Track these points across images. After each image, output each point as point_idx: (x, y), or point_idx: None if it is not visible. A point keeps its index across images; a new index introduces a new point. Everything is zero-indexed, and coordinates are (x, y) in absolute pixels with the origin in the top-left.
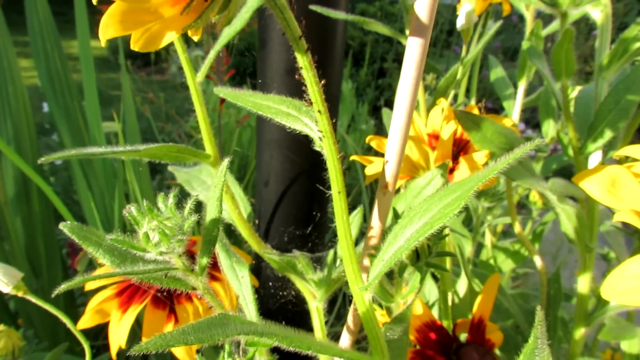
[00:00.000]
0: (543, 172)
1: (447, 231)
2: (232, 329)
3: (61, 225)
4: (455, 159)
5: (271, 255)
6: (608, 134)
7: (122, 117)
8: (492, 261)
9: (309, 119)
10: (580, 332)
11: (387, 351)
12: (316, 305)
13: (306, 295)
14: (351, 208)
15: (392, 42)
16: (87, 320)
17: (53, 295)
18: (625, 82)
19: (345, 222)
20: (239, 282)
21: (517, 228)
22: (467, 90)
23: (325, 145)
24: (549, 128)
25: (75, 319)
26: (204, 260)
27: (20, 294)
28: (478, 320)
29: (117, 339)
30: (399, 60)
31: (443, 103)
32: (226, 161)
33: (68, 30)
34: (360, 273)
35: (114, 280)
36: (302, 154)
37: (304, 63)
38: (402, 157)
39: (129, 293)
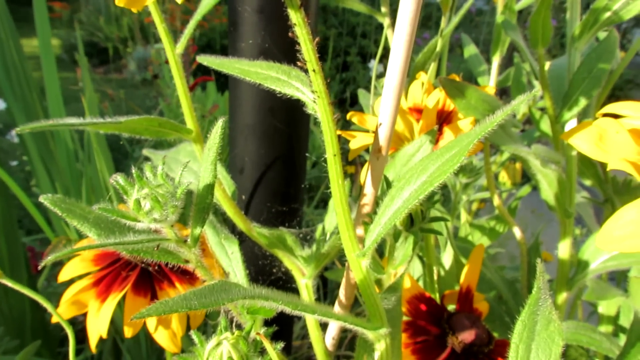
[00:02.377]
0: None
1: (438, 196)
2: (235, 293)
3: (42, 198)
4: (438, 131)
5: (261, 230)
6: (582, 102)
7: (85, 115)
8: (470, 238)
9: (300, 83)
10: (562, 297)
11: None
12: (305, 282)
13: (295, 272)
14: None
15: (354, 36)
16: (63, 312)
17: (39, 267)
18: (596, 51)
19: (340, 186)
20: (229, 259)
21: (496, 201)
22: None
23: (320, 106)
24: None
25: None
26: (197, 230)
27: None
28: (466, 290)
29: (97, 328)
30: (361, 53)
31: (422, 77)
32: (221, 121)
33: (19, 28)
34: (357, 239)
35: (90, 269)
36: (278, 139)
37: (297, 20)
38: (396, 118)
39: (106, 282)
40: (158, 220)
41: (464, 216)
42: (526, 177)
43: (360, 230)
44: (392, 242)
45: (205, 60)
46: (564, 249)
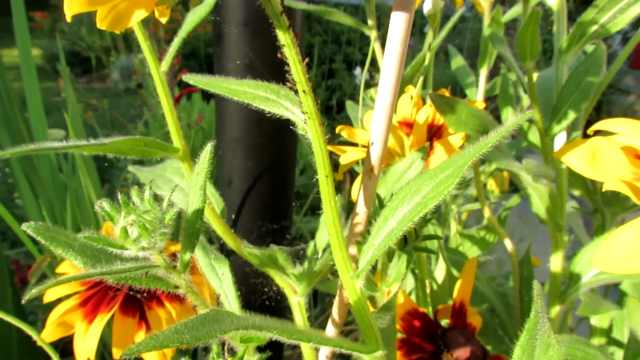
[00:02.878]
0: None
1: (430, 215)
2: (228, 324)
3: (24, 226)
4: (429, 146)
5: (252, 250)
6: (572, 115)
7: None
8: (460, 248)
9: (289, 103)
10: (555, 310)
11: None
12: (297, 300)
13: (286, 290)
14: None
15: (339, 44)
16: (50, 334)
17: (23, 301)
18: (584, 64)
19: (333, 207)
20: (219, 280)
21: (486, 212)
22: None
23: (311, 127)
24: (508, 115)
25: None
26: (187, 256)
27: None
28: (459, 304)
29: (85, 351)
30: (347, 61)
31: (411, 90)
32: (209, 145)
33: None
34: (350, 260)
35: (76, 289)
36: (266, 152)
37: (286, 40)
38: (388, 138)
39: (94, 302)
40: (146, 248)
41: (453, 226)
42: (514, 184)
43: (353, 250)
44: (386, 261)
45: (192, 79)
46: (555, 262)
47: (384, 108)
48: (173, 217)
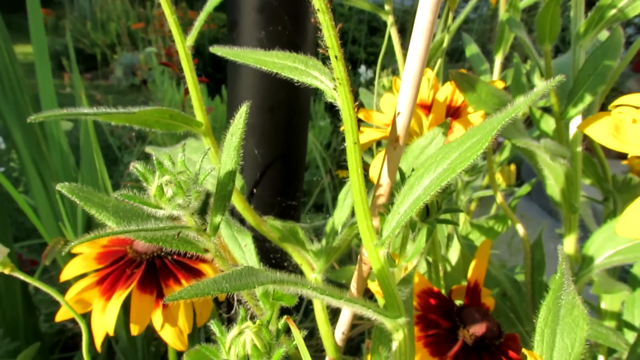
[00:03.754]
0: (512, 151)
1: (452, 187)
2: (264, 278)
3: (59, 186)
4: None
5: (274, 222)
6: (588, 99)
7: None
8: (470, 236)
9: (317, 72)
10: None
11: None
12: (315, 277)
13: (304, 267)
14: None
15: (345, 42)
16: (67, 311)
17: (45, 263)
18: (602, 48)
19: (359, 175)
20: (242, 251)
21: (499, 198)
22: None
23: (341, 94)
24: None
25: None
26: (217, 219)
27: (7, 272)
28: (474, 284)
29: (103, 327)
30: (351, 59)
31: (429, 73)
32: (245, 106)
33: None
34: (374, 229)
35: (93, 267)
36: (277, 139)
37: (320, 5)
38: (414, 107)
39: (111, 280)
40: (182, 207)
41: (462, 216)
42: (520, 178)
43: (375, 222)
44: (407, 234)
45: (220, 50)
46: (569, 245)
47: (411, 76)
48: (206, 176)
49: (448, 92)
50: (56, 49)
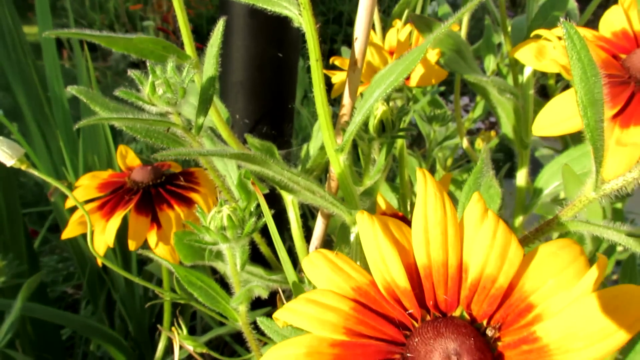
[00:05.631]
0: (484, 108)
1: (408, 108)
2: (234, 153)
3: (69, 88)
4: None
5: (253, 140)
6: None
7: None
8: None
9: (287, 3)
10: (519, 220)
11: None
12: (291, 199)
13: (282, 191)
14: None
15: (341, 24)
16: (71, 230)
17: (51, 199)
18: (551, 1)
19: (322, 89)
20: (225, 164)
21: (464, 143)
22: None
23: (304, 17)
24: (490, 63)
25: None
26: (201, 120)
27: (23, 168)
28: None
29: (104, 241)
30: (347, 41)
31: (398, 24)
32: (221, 20)
33: None
34: (335, 136)
35: (94, 195)
36: (266, 95)
37: None
38: (369, 33)
39: (110, 205)
40: (170, 103)
41: (439, 169)
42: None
43: (340, 140)
44: (368, 152)
45: None
46: (521, 177)
47: (364, 7)
48: (191, 79)
49: (406, 33)
50: (55, 28)
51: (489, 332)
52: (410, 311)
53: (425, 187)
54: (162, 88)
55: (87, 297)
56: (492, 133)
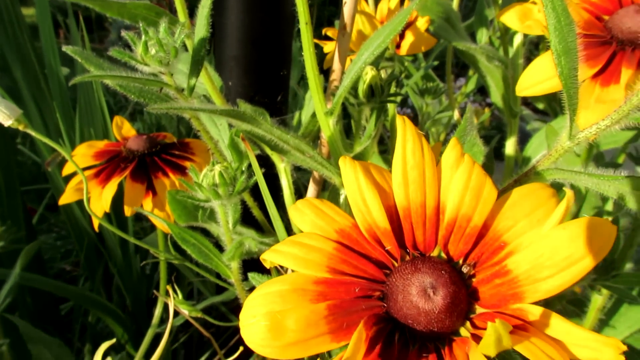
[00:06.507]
0: (478, 82)
1: (394, 77)
2: (223, 109)
3: (64, 48)
4: (402, 37)
5: (246, 105)
6: None
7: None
8: None
9: None
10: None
11: None
12: (284, 166)
13: (274, 158)
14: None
15: (337, 5)
16: (68, 197)
17: (48, 168)
18: None
19: (312, 53)
20: (217, 128)
21: (456, 115)
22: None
23: None
24: (482, 36)
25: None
26: (193, 81)
27: (21, 128)
28: None
29: (101, 206)
30: None
31: None
32: None
33: None
34: (325, 99)
35: (91, 163)
36: (262, 71)
37: None
38: None
39: (106, 172)
40: (163, 63)
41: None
42: (496, 120)
43: (330, 105)
44: (358, 119)
45: None
46: (510, 146)
47: None
48: (183, 40)
49: (397, 1)
50: (51, 11)
51: (465, 270)
52: (389, 249)
53: (405, 132)
54: (154, 48)
55: (85, 273)
56: (487, 110)
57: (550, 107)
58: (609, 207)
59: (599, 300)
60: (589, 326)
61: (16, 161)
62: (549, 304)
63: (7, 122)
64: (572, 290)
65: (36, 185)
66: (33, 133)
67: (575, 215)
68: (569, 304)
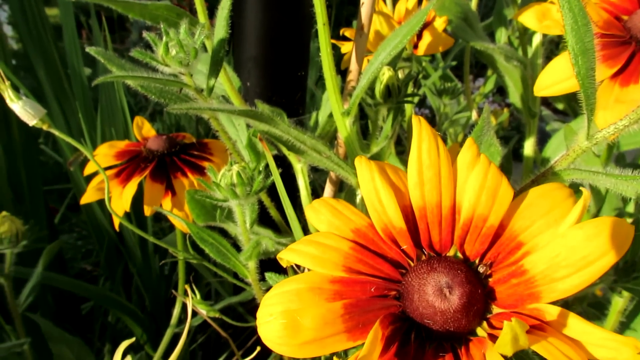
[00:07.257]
0: (497, 83)
1: (414, 71)
2: (241, 110)
3: (87, 49)
4: (420, 37)
5: (264, 105)
6: None
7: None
8: None
9: None
10: None
11: None
12: (301, 166)
13: (291, 158)
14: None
15: (356, 5)
16: (89, 196)
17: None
18: None
19: (329, 53)
20: (236, 129)
21: (474, 116)
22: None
23: None
24: (502, 35)
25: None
26: (212, 82)
27: (45, 127)
28: None
29: (122, 206)
30: None
31: None
32: None
33: None
34: (342, 100)
35: (112, 163)
36: (280, 71)
37: None
38: None
39: (127, 172)
40: (183, 64)
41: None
42: (516, 121)
43: (347, 105)
44: (375, 119)
45: None
46: (528, 147)
47: None
48: (202, 41)
49: (414, 1)
50: (74, 12)
51: (481, 269)
52: (405, 249)
53: (420, 131)
54: (175, 49)
55: (105, 273)
56: (506, 110)
57: (570, 107)
58: (630, 208)
59: (619, 302)
60: (609, 328)
61: (39, 161)
62: (569, 306)
63: (32, 122)
64: (593, 293)
65: (58, 185)
66: (56, 133)
67: (595, 216)
68: (589, 306)
